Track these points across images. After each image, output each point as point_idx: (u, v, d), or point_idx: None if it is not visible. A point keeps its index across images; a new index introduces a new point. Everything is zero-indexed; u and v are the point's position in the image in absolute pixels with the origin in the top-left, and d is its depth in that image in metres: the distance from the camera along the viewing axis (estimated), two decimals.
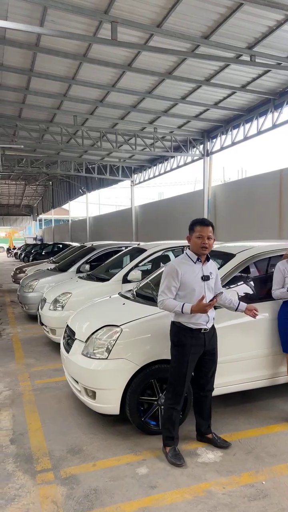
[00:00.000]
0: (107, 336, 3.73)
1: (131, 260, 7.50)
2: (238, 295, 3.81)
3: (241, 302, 3.62)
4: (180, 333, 3.27)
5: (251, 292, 4.29)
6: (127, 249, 8.15)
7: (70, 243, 19.49)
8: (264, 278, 4.44)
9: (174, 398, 3.29)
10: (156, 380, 3.64)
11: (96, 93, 10.70)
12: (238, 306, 3.59)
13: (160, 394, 3.64)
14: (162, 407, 3.60)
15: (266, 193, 10.95)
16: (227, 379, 3.86)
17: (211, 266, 3.42)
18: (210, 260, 3.43)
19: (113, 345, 3.63)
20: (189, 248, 3.43)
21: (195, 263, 3.31)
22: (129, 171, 20.54)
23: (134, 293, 4.62)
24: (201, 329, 3.27)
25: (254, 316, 3.61)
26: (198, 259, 3.32)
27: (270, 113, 10.51)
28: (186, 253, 3.40)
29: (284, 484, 2.91)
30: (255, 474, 3.04)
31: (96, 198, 34.52)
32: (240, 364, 3.94)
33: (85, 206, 29.58)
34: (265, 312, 4.07)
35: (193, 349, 3.26)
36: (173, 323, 3.35)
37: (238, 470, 3.10)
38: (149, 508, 2.68)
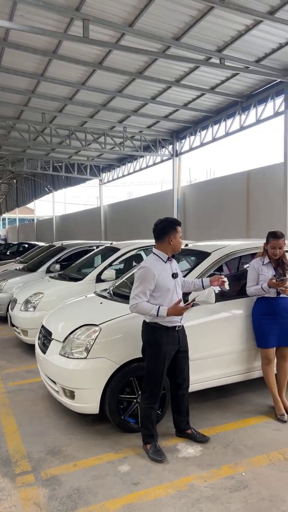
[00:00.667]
0: (85, 336, 3.71)
1: (103, 260, 7.47)
2: (215, 292, 3.89)
3: (203, 278, 3.67)
4: (156, 333, 3.27)
5: (226, 289, 4.37)
6: (99, 249, 8.12)
7: (37, 242, 19.13)
8: (238, 276, 4.55)
9: (151, 397, 3.32)
10: (136, 378, 3.66)
11: (66, 91, 10.57)
12: (203, 284, 3.61)
13: (139, 392, 3.66)
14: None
15: (234, 193, 11.21)
16: (204, 375, 3.94)
17: (175, 262, 3.47)
18: (174, 257, 3.49)
19: (92, 344, 3.62)
20: (155, 249, 3.43)
21: (165, 262, 3.34)
22: (97, 170, 20.42)
23: (111, 292, 4.61)
24: (175, 326, 3.32)
25: (222, 283, 3.56)
26: (168, 258, 3.36)
27: (237, 116, 10.76)
28: (155, 253, 3.38)
29: (263, 475, 3.01)
30: (235, 466, 3.13)
31: (62, 197, 34.09)
32: (216, 360, 4.02)
33: (51, 205, 29.15)
34: (240, 308, 4.18)
35: (168, 348, 3.29)
36: (147, 324, 3.32)
37: (218, 463, 3.17)
38: (134, 505, 2.70)
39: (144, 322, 3.36)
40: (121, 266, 7.54)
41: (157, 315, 3.18)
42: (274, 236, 4.01)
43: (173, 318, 3.26)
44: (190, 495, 2.78)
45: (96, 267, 6.98)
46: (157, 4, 6.53)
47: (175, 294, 3.32)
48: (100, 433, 3.69)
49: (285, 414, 3.92)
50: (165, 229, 3.37)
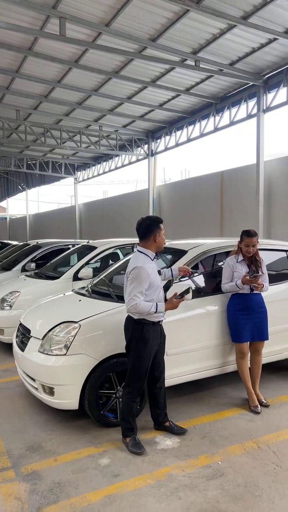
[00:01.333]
0: (65, 333, 3.75)
1: (79, 258, 7.49)
2: (191, 289, 3.99)
3: (171, 268, 3.86)
4: (144, 329, 3.34)
5: (202, 286, 4.50)
6: (75, 247, 8.12)
7: (9, 241, 18.83)
8: (214, 273, 4.68)
9: (134, 391, 3.39)
10: (115, 374, 3.73)
11: (41, 88, 10.48)
12: (172, 273, 3.81)
13: (118, 387, 3.73)
14: (121, 399, 3.70)
15: (208, 193, 11.42)
16: (181, 369, 4.05)
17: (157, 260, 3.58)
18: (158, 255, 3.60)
19: (72, 341, 3.66)
20: (140, 247, 3.48)
21: (152, 260, 3.43)
22: (72, 168, 20.29)
23: (90, 289, 4.66)
24: (160, 321, 3.43)
25: (188, 273, 3.81)
26: (155, 256, 3.45)
27: (212, 117, 10.96)
28: (142, 252, 3.43)
29: (238, 463, 3.14)
30: (211, 456, 3.24)
31: (35, 195, 33.61)
32: (192, 354, 4.14)
33: (25, 204, 28.71)
34: (215, 305, 4.32)
35: (154, 342, 3.40)
36: (134, 320, 3.37)
37: (195, 453, 3.28)
38: (114, 496, 2.77)
39: (131, 319, 3.39)
40: (98, 264, 7.58)
41: (156, 311, 3.27)
42: (248, 234, 4.17)
43: (161, 313, 3.37)
44: (169, 484, 2.88)
45: (73, 266, 6.99)
46: (134, 5, 6.60)
47: (161, 290, 3.44)
48: (80, 428, 3.74)
49: (259, 405, 4.08)
50: (149, 228, 3.43)
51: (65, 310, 4.24)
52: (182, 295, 3.40)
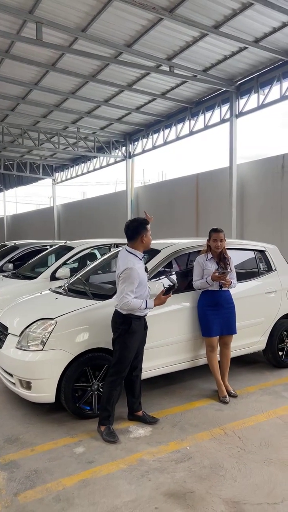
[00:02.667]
0: (41, 329, 3.89)
1: (57, 259, 7.62)
2: (164, 286, 4.20)
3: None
4: (132, 323, 3.57)
5: (175, 283, 4.71)
6: (53, 248, 8.23)
7: None
8: (185, 271, 4.90)
9: (117, 380, 3.61)
10: (90, 368, 3.89)
11: (18, 90, 10.54)
12: None
13: (94, 381, 3.90)
14: (96, 392, 3.88)
15: (184, 195, 11.70)
16: (155, 363, 4.24)
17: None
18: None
19: (48, 337, 3.80)
20: (129, 247, 3.68)
21: (141, 259, 3.66)
22: (50, 169, 20.29)
23: (66, 288, 4.81)
24: (145, 315, 3.70)
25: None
26: (143, 256, 3.69)
27: (187, 121, 11.25)
28: (132, 252, 3.63)
29: (205, 447, 3.35)
30: (181, 442, 3.45)
31: (13, 196, 33.34)
32: (166, 348, 4.34)
33: (2, 204, 28.47)
34: (187, 301, 4.54)
35: (139, 335, 3.67)
36: (122, 315, 3.58)
37: (166, 440, 3.48)
38: (88, 480, 2.94)
39: (120, 314, 3.60)
40: (75, 265, 7.71)
41: (146, 308, 3.54)
42: (214, 230, 4.47)
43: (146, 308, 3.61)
44: (140, 468, 3.07)
45: (50, 266, 7.11)
46: (109, 12, 6.79)
47: (147, 287, 3.67)
48: (56, 420, 3.89)
49: (227, 396, 4.32)
50: (137, 229, 3.65)
51: (41, 308, 4.37)
52: (168, 291, 3.64)
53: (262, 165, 9.45)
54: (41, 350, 3.79)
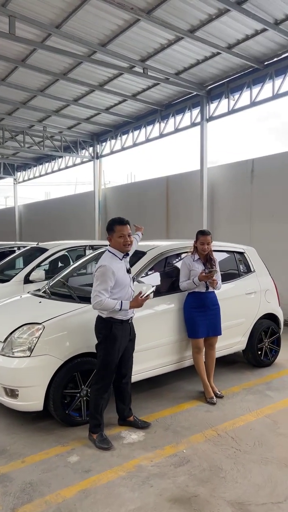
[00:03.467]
0: (28, 334, 3.74)
1: (25, 261, 7.38)
2: (153, 288, 4.15)
3: (138, 233, 4.61)
4: (112, 327, 3.46)
5: (160, 285, 4.69)
6: (24, 249, 7.96)
7: None
8: (171, 273, 4.89)
9: (103, 388, 3.48)
10: (79, 373, 3.78)
11: None
12: (140, 236, 4.67)
13: (83, 386, 3.80)
14: (85, 398, 3.77)
15: (154, 197, 11.72)
16: (142, 366, 4.19)
17: (127, 259, 3.69)
18: (128, 254, 3.70)
19: (36, 342, 3.66)
20: (110, 246, 3.62)
21: (121, 260, 3.54)
22: (11, 168, 19.65)
23: (48, 291, 4.65)
24: (128, 319, 3.54)
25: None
26: (123, 256, 3.56)
27: (157, 123, 11.27)
28: (111, 252, 3.54)
29: (201, 450, 3.35)
30: (176, 445, 3.43)
31: None
32: (152, 351, 4.31)
33: None
34: (172, 303, 4.53)
35: (123, 340, 3.51)
36: (103, 319, 3.48)
37: (161, 444, 3.44)
38: (89, 490, 2.84)
39: (101, 318, 3.50)
40: (46, 267, 7.50)
41: (120, 309, 3.37)
42: (202, 233, 4.48)
43: (128, 311, 3.48)
44: (139, 475, 3.01)
45: (22, 268, 6.87)
46: (86, 10, 6.66)
47: (130, 289, 3.54)
48: (44, 429, 3.75)
49: (214, 397, 4.36)
50: (107, 228, 3.60)
51: (26, 312, 4.20)
52: (147, 294, 3.53)
53: (232, 169, 9.65)
54: (29, 356, 3.64)
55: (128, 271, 3.58)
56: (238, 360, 5.62)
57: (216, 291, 4.56)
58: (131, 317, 3.60)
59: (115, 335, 3.46)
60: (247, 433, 3.62)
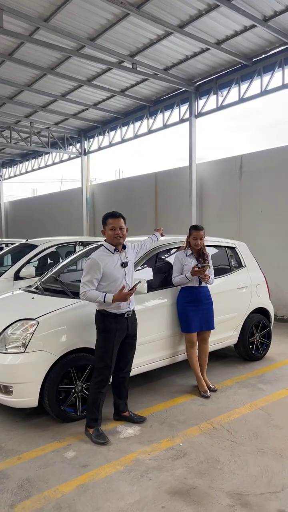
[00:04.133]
0: (22, 330, 3.70)
1: (16, 257, 7.30)
2: (143, 281, 4.13)
3: (156, 234, 4.53)
4: (105, 320, 3.47)
5: (153, 280, 4.68)
6: (12, 246, 7.87)
7: None
8: (164, 268, 4.89)
9: (101, 382, 3.48)
10: (74, 369, 3.76)
11: None
12: (157, 237, 4.52)
13: (78, 382, 3.78)
14: (80, 394, 3.75)
15: (143, 193, 11.70)
16: (137, 361, 4.18)
17: (128, 252, 3.68)
18: (127, 247, 3.69)
19: (30, 338, 3.62)
20: (105, 241, 3.64)
21: (113, 253, 3.54)
22: None
23: (41, 287, 4.61)
24: (124, 313, 3.53)
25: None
26: (115, 249, 3.55)
27: (145, 119, 11.24)
28: (104, 246, 3.59)
29: (197, 442, 3.37)
30: (172, 438, 3.44)
31: None
32: (146, 346, 4.30)
33: None
34: (165, 298, 4.53)
35: (117, 334, 3.50)
36: (98, 311, 3.52)
37: (157, 438, 3.45)
38: (87, 484, 2.84)
39: (96, 310, 3.55)
40: (35, 264, 7.43)
41: (104, 301, 3.36)
42: (195, 228, 4.49)
43: (121, 305, 3.47)
44: (137, 468, 3.01)
45: (12, 265, 6.79)
46: (75, 4, 6.59)
47: (123, 282, 3.50)
48: (39, 425, 3.72)
49: (208, 390, 4.38)
50: (102, 222, 3.64)
51: (19, 308, 4.16)
52: (132, 288, 3.49)
53: (220, 165, 9.69)
54: (23, 352, 3.60)
55: (123, 264, 3.54)
56: (230, 354, 5.67)
57: (208, 286, 4.58)
58: (128, 312, 3.57)
59: (108, 328, 3.47)
60: (242, 426, 3.65)
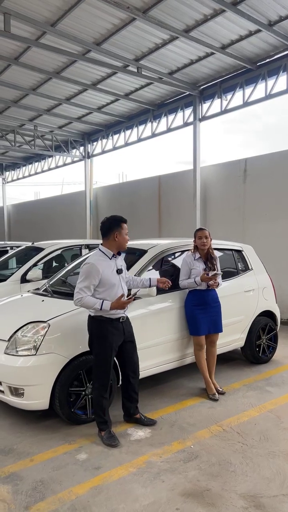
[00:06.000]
0: (33, 333, 3.72)
1: (19, 261, 7.34)
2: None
3: (151, 278, 3.89)
4: (101, 326, 3.45)
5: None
6: (18, 249, 7.90)
7: None
8: (171, 271, 4.91)
9: (101, 387, 3.48)
10: (84, 371, 3.78)
11: None
12: (150, 283, 3.85)
13: (88, 384, 3.79)
14: (90, 396, 3.77)
15: (146, 196, 11.74)
16: (145, 364, 4.20)
17: (120, 259, 3.66)
18: (120, 254, 3.67)
19: (41, 340, 3.64)
20: (102, 245, 3.60)
21: (110, 259, 3.52)
22: (0, 168, 19.47)
23: (50, 290, 4.63)
24: (119, 318, 3.53)
25: (166, 286, 3.81)
26: (113, 255, 3.54)
27: (149, 123, 11.30)
28: (101, 250, 3.55)
29: (208, 445, 3.38)
30: (183, 441, 3.45)
31: None
32: (155, 349, 4.33)
33: None
34: (173, 300, 4.55)
35: (114, 339, 3.49)
36: (92, 317, 3.50)
37: (168, 440, 3.46)
38: (101, 486, 2.85)
39: (90, 316, 3.53)
40: (41, 267, 7.46)
41: (101, 309, 3.36)
42: (199, 229, 4.59)
43: (117, 310, 3.45)
44: (150, 470, 3.03)
45: (19, 268, 6.82)
46: (82, 9, 6.64)
47: (120, 289, 3.50)
48: (49, 428, 3.73)
49: (216, 393, 4.40)
50: (110, 226, 3.54)
51: (30, 311, 4.18)
52: (131, 296, 3.48)
53: (225, 168, 9.72)
54: (34, 354, 3.62)
55: (119, 271, 3.53)
56: (236, 357, 5.69)
57: (216, 289, 4.60)
58: (122, 317, 3.55)
59: (104, 334, 3.45)
60: (251, 428, 3.66)
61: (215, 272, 4.36)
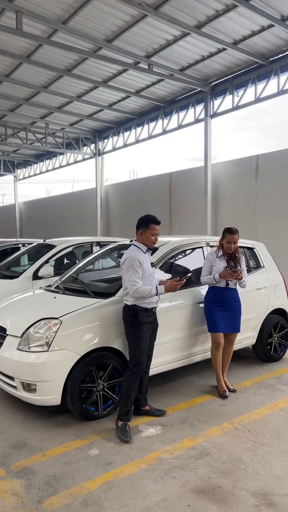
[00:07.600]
0: (45, 329, 3.76)
1: (30, 258, 7.39)
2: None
3: (157, 286, 3.68)
4: (138, 314, 3.62)
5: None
6: (30, 246, 7.96)
7: None
8: (182, 269, 4.90)
9: (135, 374, 3.60)
10: (95, 367, 3.80)
11: None
12: (157, 291, 3.67)
13: (99, 381, 3.82)
14: (102, 392, 3.80)
15: (157, 193, 11.74)
16: (158, 360, 4.21)
17: (149, 254, 3.88)
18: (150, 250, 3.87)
19: (54, 337, 3.68)
20: (135, 240, 3.81)
21: (145, 252, 3.73)
22: (11, 165, 19.63)
23: (62, 287, 4.66)
24: (153, 308, 3.70)
25: (176, 289, 3.76)
26: (148, 250, 3.75)
27: (160, 119, 11.29)
28: (136, 245, 3.76)
29: (219, 442, 3.38)
30: (194, 438, 3.46)
31: None
32: (166, 346, 4.32)
33: None
34: (187, 297, 4.55)
35: (149, 327, 3.68)
36: (129, 307, 3.66)
37: (179, 437, 3.47)
38: (112, 482, 2.87)
39: (126, 306, 3.69)
40: (52, 263, 7.50)
41: (156, 294, 3.57)
42: (230, 232, 4.43)
43: (152, 299, 3.66)
44: (161, 467, 3.04)
45: (31, 265, 6.87)
46: (93, 6, 6.67)
47: (154, 279, 3.72)
48: (61, 423, 3.77)
49: (227, 390, 4.39)
50: (139, 224, 3.79)
51: (42, 307, 4.21)
52: (181, 278, 3.70)
53: (236, 165, 9.68)
54: (46, 351, 3.65)
55: (152, 264, 3.79)
56: (248, 355, 5.66)
57: (242, 287, 4.56)
58: (155, 307, 3.75)
59: (140, 321, 3.62)
60: (263, 426, 3.65)
61: (235, 268, 4.33)
